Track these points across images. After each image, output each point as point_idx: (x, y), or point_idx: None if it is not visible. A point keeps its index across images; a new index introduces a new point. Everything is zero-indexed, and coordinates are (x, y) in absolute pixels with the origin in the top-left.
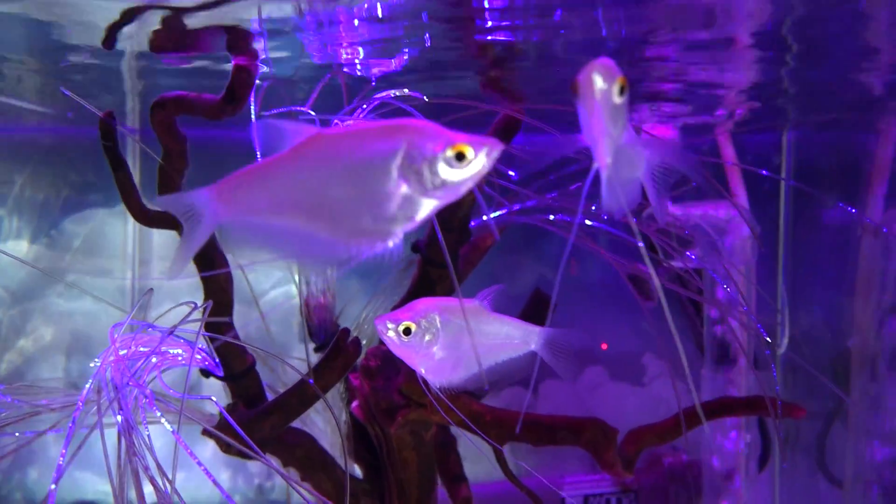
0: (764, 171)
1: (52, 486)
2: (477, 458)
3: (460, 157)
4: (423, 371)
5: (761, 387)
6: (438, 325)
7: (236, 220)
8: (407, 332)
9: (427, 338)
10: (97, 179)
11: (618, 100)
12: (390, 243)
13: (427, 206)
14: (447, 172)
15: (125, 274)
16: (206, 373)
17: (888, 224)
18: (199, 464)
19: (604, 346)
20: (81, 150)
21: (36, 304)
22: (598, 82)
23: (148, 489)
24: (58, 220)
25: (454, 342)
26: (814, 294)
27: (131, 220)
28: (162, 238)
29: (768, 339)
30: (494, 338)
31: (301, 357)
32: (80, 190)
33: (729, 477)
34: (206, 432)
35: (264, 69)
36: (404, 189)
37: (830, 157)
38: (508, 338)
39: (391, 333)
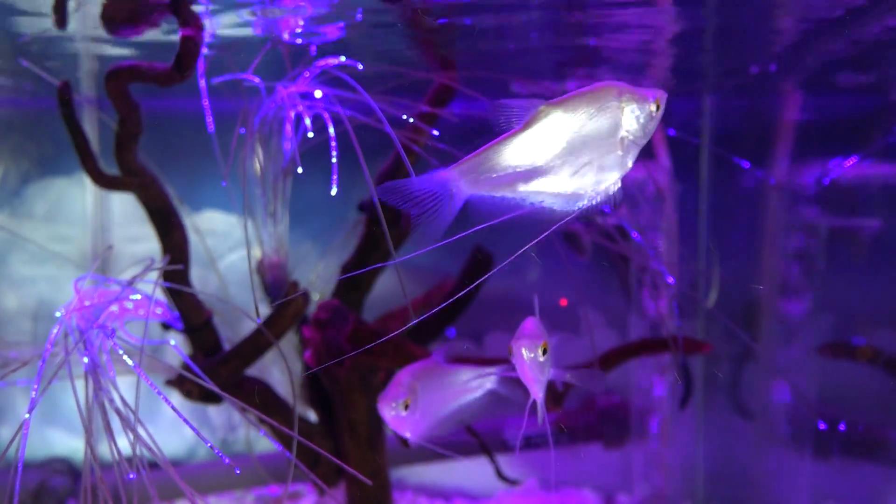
0: (671, 131)
1: (27, 415)
2: None
3: (657, 107)
4: (408, 435)
5: (671, 331)
6: (417, 391)
7: (480, 194)
8: (405, 406)
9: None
10: (56, 150)
11: (542, 359)
12: (613, 188)
13: (636, 153)
14: (651, 123)
15: (86, 240)
16: (166, 326)
17: (792, 179)
18: (166, 400)
19: (563, 303)
20: (40, 122)
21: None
22: (526, 354)
23: (116, 429)
24: (18, 190)
25: (426, 401)
26: (731, 246)
27: (90, 188)
28: (121, 205)
29: (673, 283)
30: (457, 386)
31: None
32: (40, 161)
33: (654, 414)
34: (170, 381)
35: (210, 39)
36: (626, 143)
37: (746, 119)
38: (467, 383)
39: (393, 413)
